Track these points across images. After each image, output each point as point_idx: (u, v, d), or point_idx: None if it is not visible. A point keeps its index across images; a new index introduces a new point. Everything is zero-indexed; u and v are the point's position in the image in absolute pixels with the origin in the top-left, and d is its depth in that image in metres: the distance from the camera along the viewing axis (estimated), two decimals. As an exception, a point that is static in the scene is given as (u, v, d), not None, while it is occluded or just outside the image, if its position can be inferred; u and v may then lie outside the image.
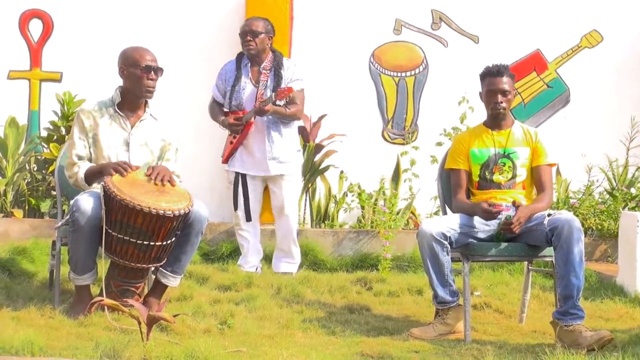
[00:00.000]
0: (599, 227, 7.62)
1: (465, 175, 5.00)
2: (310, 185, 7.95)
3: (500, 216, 4.69)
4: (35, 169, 7.95)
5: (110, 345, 3.75)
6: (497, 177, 4.91)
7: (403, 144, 8.48)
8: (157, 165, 4.86)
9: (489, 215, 4.65)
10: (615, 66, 8.62)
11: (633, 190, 7.69)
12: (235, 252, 7.13)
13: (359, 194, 8.05)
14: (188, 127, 7.67)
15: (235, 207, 6.68)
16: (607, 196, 7.96)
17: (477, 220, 4.75)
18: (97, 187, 4.81)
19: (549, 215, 4.63)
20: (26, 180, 7.84)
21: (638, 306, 5.74)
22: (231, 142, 6.70)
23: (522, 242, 4.72)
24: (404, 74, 8.61)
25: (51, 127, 7.95)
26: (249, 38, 6.61)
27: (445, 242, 4.58)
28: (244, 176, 6.65)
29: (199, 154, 7.81)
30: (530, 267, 5.15)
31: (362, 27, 8.55)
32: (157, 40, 8.34)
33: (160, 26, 8.43)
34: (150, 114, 5.03)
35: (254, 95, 6.61)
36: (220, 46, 8.20)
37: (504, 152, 4.94)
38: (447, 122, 8.30)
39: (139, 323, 3.79)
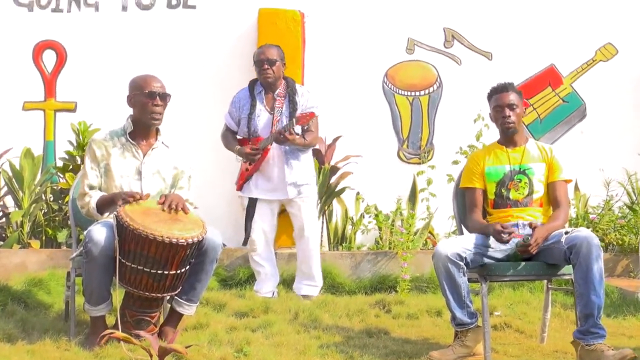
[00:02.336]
0: (620, 242, 7.53)
1: (480, 194, 4.95)
2: (326, 207, 7.92)
3: (511, 242, 4.64)
4: (51, 199, 7.95)
5: (125, 377, 3.72)
6: (513, 194, 4.86)
7: (419, 163, 8.43)
8: (170, 193, 4.83)
9: (500, 237, 4.58)
10: (631, 79, 8.55)
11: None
12: (252, 278, 7.08)
13: (376, 215, 8.01)
14: (203, 153, 7.64)
15: (247, 233, 6.64)
16: (627, 210, 7.87)
17: (493, 239, 4.69)
18: (110, 217, 4.78)
19: (566, 233, 4.56)
20: (43, 211, 7.84)
21: (661, 322, 5.64)
22: (246, 169, 6.67)
23: (541, 260, 4.65)
24: (418, 93, 8.57)
25: (67, 157, 7.96)
26: (266, 66, 6.61)
27: (461, 263, 4.52)
28: (256, 202, 6.63)
29: (214, 180, 7.77)
30: (550, 286, 5.08)
31: (375, 47, 8.53)
32: (170, 67, 8.39)
33: (173, 53, 8.45)
34: (162, 142, 5.02)
35: (269, 123, 6.61)
36: (232, 70, 8.21)
37: (520, 169, 4.89)
38: (463, 140, 8.24)
39: (151, 356, 3.75)
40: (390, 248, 7.67)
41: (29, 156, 7.83)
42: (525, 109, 5.03)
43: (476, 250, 4.60)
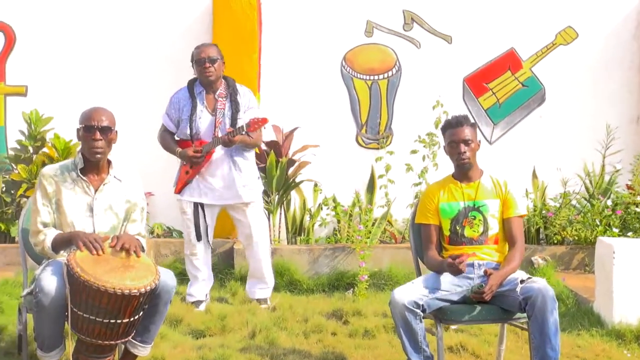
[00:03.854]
0: (576, 237, 7.57)
1: (435, 230, 4.91)
2: (285, 198, 7.85)
3: (467, 284, 4.64)
4: (3, 189, 7.79)
5: None
6: (468, 232, 4.82)
7: (378, 148, 8.38)
8: (121, 234, 4.72)
9: (455, 269, 4.57)
10: (590, 62, 8.52)
11: (609, 202, 7.60)
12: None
13: (334, 207, 7.97)
14: (152, 132, 7.51)
15: (199, 238, 6.55)
16: (585, 202, 7.90)
17: (448, 282, 4.67)
18: (62, 258, 4.68)
19: (521, 281, 4.55)
20: (-6, 203, 7.72)
21: (614, 340, 5.70)
22: (186, 172, 6.52)
23: (496, 305, 4.64)
24: (376, 77, 8.47)
25: (18, 146, 7.79)
26: (207, 65, 6.41)
27: (418, 311, 4.50)
28: (202, 206, 6.53)
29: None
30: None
31: (333, 30, 8.41)
32: (124, 49, 8.24)
33: (126, 34, 8.27)
34: (114, 176, 4.87)
35: (212, 124, 6.44)
36: (186, 53, 7.87)
37: (474, 205, 4.84)
38: (422, 127, 8.20)
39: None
40: (348, 240, 7.64)
41: (-21, 149, 7.66)
42: (479, 142, 4.93)
43: (432, 295, 4.59)
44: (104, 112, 4.84)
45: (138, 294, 4.36)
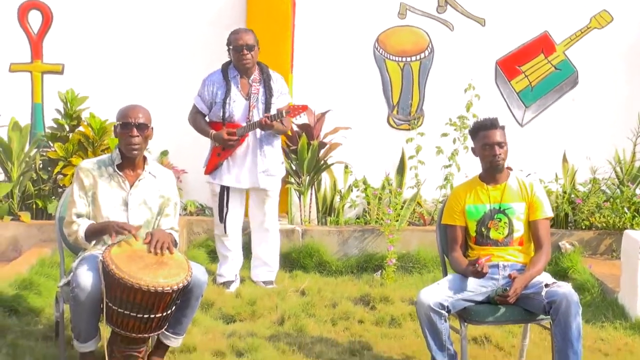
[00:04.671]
0: (605, 224, 7.61)
1: (461, 231, 4.99)
2: (315, 179, 7.95)
3: (491, 285, 4.74)
4: (40, 166, 7.97)
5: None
6: (493, 234, 4.90)
7: (408, 129, 8.43)
8: (155, 230, 4.86)
9: (479, 274, 4.67)
10: (625, 46, 8.49)
11: (638, 191, 7.63)
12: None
13: (365, 189, 8.06)
14: (184, 111, 7.64)
15: (221, 219, 6.71)
16: (615, 188, 7.92)
17: (473, 282, 4.77)
18: (95, 250, 4.84)
19: (546, 285, 4.63)
20: (32, 180, 7.86)
21: (637, 334, 5.79)
22: (218, 155, 6.66)
23: (519, 306, 4.74)
24: (409, 59, 8.51)
25: (55, 125, 7.94)
26: (245, 52, 6.53)
27: (443, 312, 4.61)
28: (228, 189, 6.66)
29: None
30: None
31: (366, 11, 8.43)
32: (158, 28, 8.32)
33: (160, 17, 8.34)
34: (149, 172, 5.01)
35: (246, 108, 6.57)
36: (219, 34, 8.08)
37: (500, 208, 4.91)
38: (453, 109, 8.25)
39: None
40: (377, 222, 7.75)
41: (17, 128, 7.82)
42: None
43: (457, 296, 4.69)
44: (141, 109, 4.97)
45: (171, 291, 4.52)
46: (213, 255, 7.32)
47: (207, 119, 6.74)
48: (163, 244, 4.72)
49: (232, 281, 6.76)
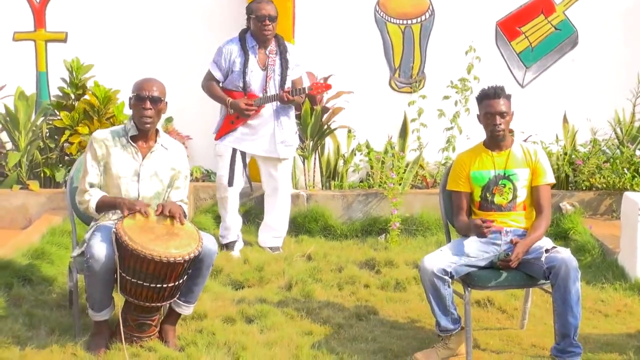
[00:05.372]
0: (605, 185, 7.72)
1: (466, 197, 5.10)
2: (319, 144, 8.05)
3: (493, 251, 4.87)
4: (47, 134, 8.06)
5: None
6: (497, 199, 5.01)
7: (410, 92, 8.51)
8: (165, 202, 4.98)
9: (480, 230, 4.77)
10: (624, 6, 8.52)
11: (638, 152, 7.72)
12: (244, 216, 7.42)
13: (368, 153, 8.16)
14: (188, 78, 7.68)
15: (231, 184, 6.81)
16: (615, 149, 8.02)
17: (476, 249, 4.88)
18: (106, 220, 4.96)
19: (546, 250, 4.75)
20: (39, 149, 7.96)
21: (637, 295, 5.93)
22: (232, 122, 6.74)
23: (521, 271, 4.86)
24: (410, 22, 8.55)
25: (61, 94, 8.02)
26: (267, 22, 6.60)
27: (447, 277, 4.74)
28: (243, 154, 6.78)
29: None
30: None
31: (367, -26, 8.44)
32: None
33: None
34: (161, 144, 5.12)
35: (263, 79, 6.68)
36: (220, 5, 8.20)
37: (504, 174, 5.01)
38: (454, 72, 8.32)
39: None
40: (380, 186, 7.86)
41: (23, 97, 7.90)
42: (513, 113, 5.07)
43: (460, 262, 4.81)
44: (155, 82, 5.06)
45: (182, 261, 4.66)
46: (220, 221, 7.43)
47: (221, 86, 6.81)
48: (174, 214, 4.85)
49: (235, 241, 6.88)
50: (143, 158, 5.07)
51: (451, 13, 8.49)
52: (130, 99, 5.09)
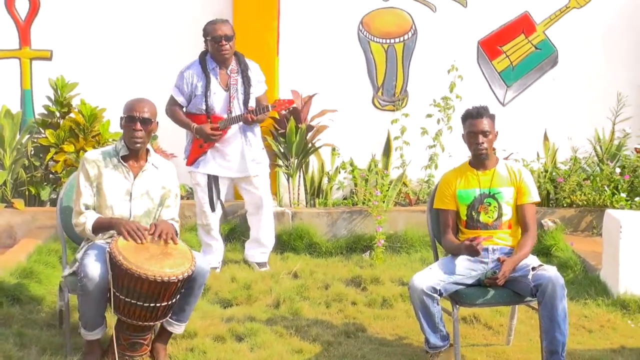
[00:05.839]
0: (585, 202, 7.85)
1: (452, 215, 5.19)
2: (303, 162, 8.12)
3: (481, 269, 4.96)
4: (32, 152, 8.08)
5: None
6: (483, 217, 5.10)
7: (393, 110, 8.60)
8: (158, 222, 5.03)
9: (473, 251, 4.87)
10: (603, 26, 8.67)
11: (617, 170, 7.86)
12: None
13: (352, 170, 8.25)
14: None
15: (213, 209, 6.86)
16: (595, 167, 8.16)
17: (464, 267, 4.98)
18: (101, 241, 5.00)
19: (533, 268, 4.85)
20: (24, 167, 7.97)
21: (619, 310, 6.03)
22: (200, 146, 6.79)
23: (508, 288, 4.96)
24: (393, 41, 8.66)
25: (46, 112, 8.05)
26: (224, 42, 6.64)
27: (436, 295, 4.82)
28: (216, 178, 6.82)
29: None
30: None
31: (351, -6, 8.55)
32: (145, 17, 8.40)
33: (148, 0, 8.41)
34: (152, 164, 5.17)
35: (226, 100, 6.71)
36: (206, 15, 8.21)
37: (489, 192, 5.11)
38: (436, 90, 8.44)
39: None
40: (364, 203, 7.94)
41: (9, 116, 7.93)
42: (497, 133, 5.17)
43: (449, 280, 4.90)
44: (147, 103, 5.13)
45: (176, 280, 4.71)
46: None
47: (184, 110, 6.85)
48: (167, 234, 4.91)
49: (217, 267, 6.93)
50: (134, 177, 5.12)
51: (433, 32, 8.61)
52: (121, 119, 5.15)
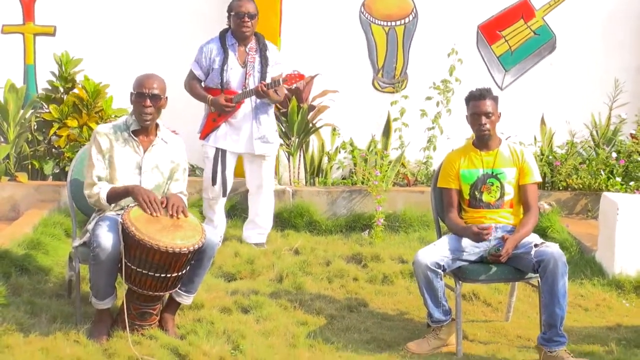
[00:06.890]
0: (581, 186, 7.99)
1: (456, 194, 5.32)
2: (304, 141, 8.22)
3: (490, 238, 5.06)
4: (35, 127, 8.15)
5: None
6: (486, 197, 5.23)
7: (393, 92, 8.71)
8: (169, 195, 5.13)
9: (479, 237, 5.00)
10: (602, 12, 8.79)
11: (614, 155, 8.00)
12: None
13: (352, 150, 8.36)
14: (175, 74, 7.81)
15: (214, 182, 6.93)
16: (590, 151, 8.29)
17: (467, 243, 5.11)
18: (111, 212, 5.09)
19: (535, 245, 4.98)
20: (28, 140, 8.05)
21: (614, 290, 6.19)
22: (214, 120, 6.88)
23: (510, 265, 5.09)
24: (394, 23, 8.76)
25: (50, 87, 8.11)
26: (246, 19, 6.73)
27: (439, 270, 4.96)
28: (224, 152, 6.91)
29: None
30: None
31: (353, -24, 8.63)
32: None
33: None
34: (162, 138, 5.27)
35: (242, 76, 6.79)
36: (211, 2, 8.30)
37: (492, 173, 5.24)
38: (436, 73, 8.55)
39: None
40: (363, 183, 8.05)
41: (13, 90, 7.98)
42: (500, 114, 5.30)
43: (453, 255, 5.03)
44: (156, 79, 5.21)
45: (187, 251, 4.81)
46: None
47: (202, 84, 6.95)
48: (179, 207, 5.01)
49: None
50: (144, 151, 5.21)
51: (434, 16, 8.71)
52: (131, 94, 5.23)
